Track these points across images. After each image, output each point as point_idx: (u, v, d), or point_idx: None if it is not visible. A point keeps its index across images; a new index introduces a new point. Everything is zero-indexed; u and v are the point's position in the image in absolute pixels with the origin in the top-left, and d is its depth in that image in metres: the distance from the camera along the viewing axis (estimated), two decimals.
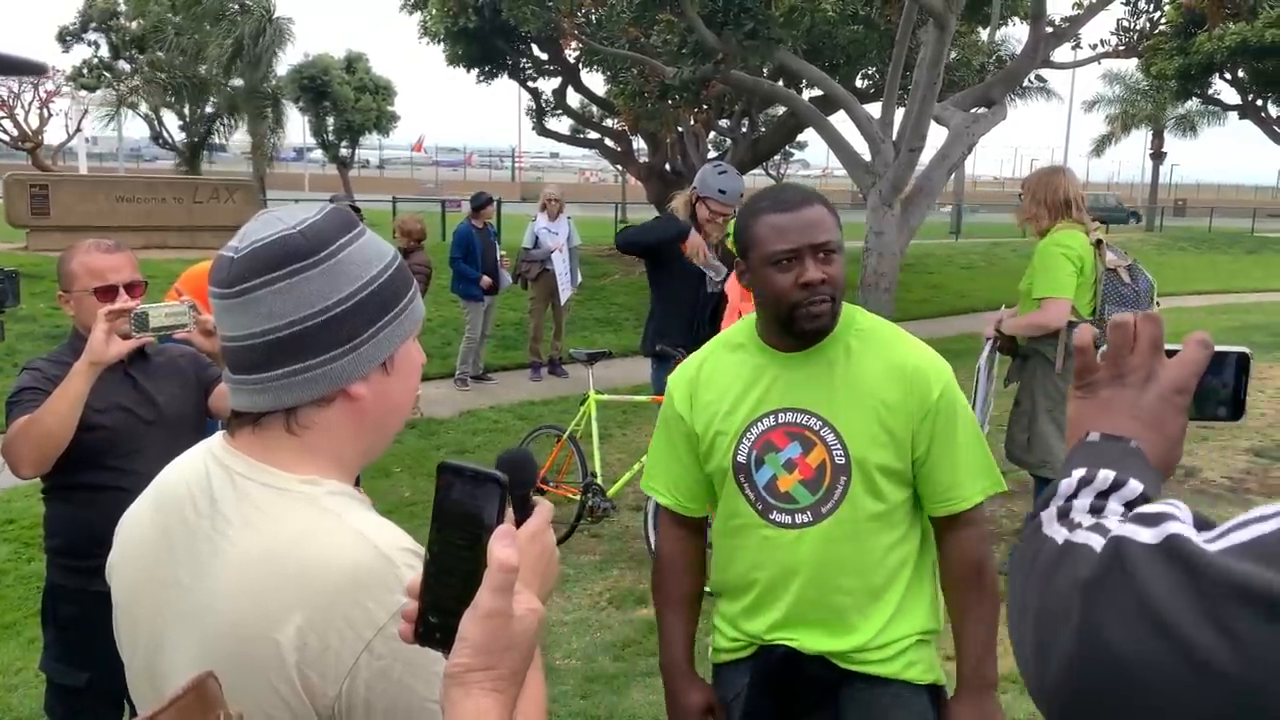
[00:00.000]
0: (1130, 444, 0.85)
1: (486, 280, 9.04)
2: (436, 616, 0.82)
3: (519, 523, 0.88)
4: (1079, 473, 0.82)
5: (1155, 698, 0.61)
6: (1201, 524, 0.69)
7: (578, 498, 5.39)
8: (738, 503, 1.93)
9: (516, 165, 61.91)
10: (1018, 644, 0.77)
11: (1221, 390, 0.89)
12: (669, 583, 2.07)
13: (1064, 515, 0.79)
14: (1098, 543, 0.71)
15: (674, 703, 2.02)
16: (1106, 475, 0.80)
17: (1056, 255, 4.26)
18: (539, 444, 5.86)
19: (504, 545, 0.80)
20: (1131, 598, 0.65)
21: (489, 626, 0.79)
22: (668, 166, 18.18)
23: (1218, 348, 0.88)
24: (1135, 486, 0.79)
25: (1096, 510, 0.78)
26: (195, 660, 1.01)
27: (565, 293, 9.49)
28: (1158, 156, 37.66)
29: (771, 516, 1.89)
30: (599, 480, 5.40)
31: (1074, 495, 0.81)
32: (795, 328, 1.84)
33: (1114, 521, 0.74)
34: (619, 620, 4.55)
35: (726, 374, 1.96)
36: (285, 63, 25.96)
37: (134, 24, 27.61)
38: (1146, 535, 0.68)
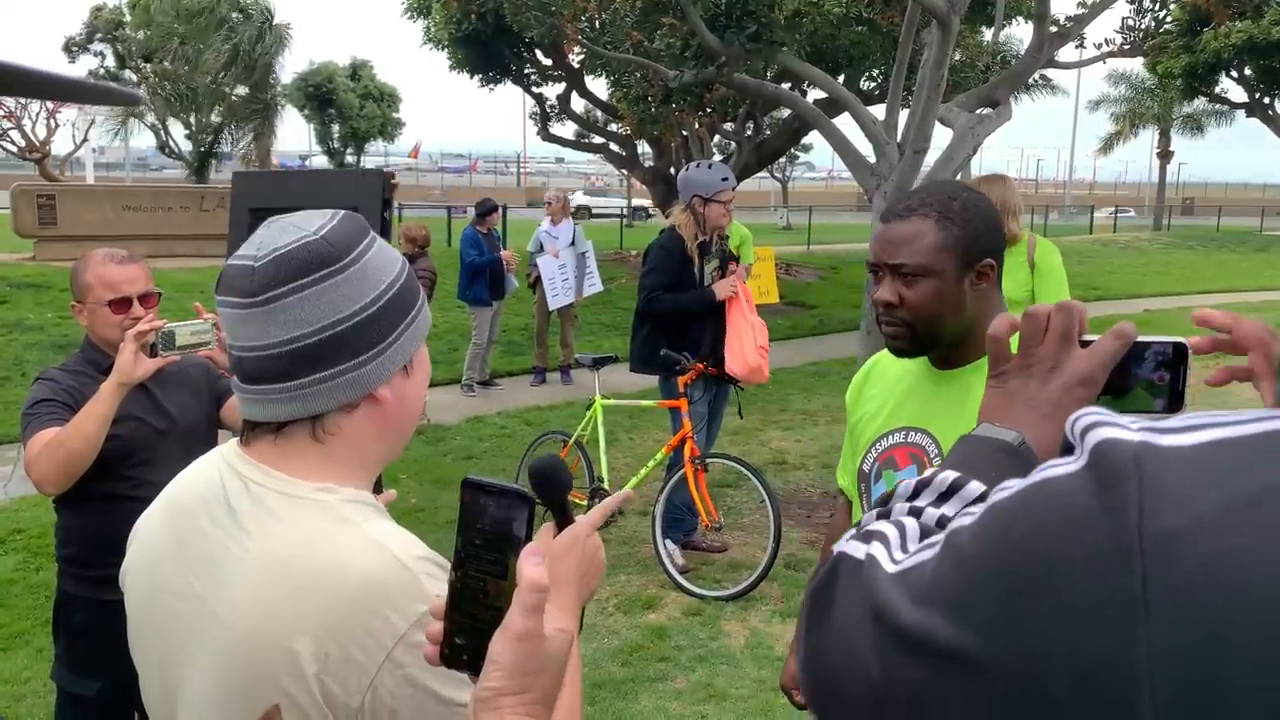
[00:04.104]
0: (1011, 439, 0.80)
1: (507, 253, 9.12)
2: (463, 638, 0.80)
3: (559, 529, 0.90)
4: (927, 473, 0.79)
5: (847, 705, 0.66)
6: (927, 533, 0.70)
7: (584, 503, 5.39)
8: (857, 510, 1.98)
9: (522, 171, 61.95)
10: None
11: (1158, 382, 0.82)
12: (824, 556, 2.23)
13: (883, 517, 0.75)
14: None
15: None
16: (946, 477, 0.76)
17: (1060, 266, 4.12)
18: (546, 450, 5.86)
19: (534, 564, 0.78)
20: (832, 612, 0.68)
21: (521, 649, 0.77)
22: (672, 170, 18.17)
23: (1145, 338, 0.82)
24: (975, 488, 0.74)
25: (914, 514, 0.75)
26: (210, 672, 1.01)
27: (556, 300, 9.24)
28: (1164, 156, 37.54)
29: None
30: (606, 485, 5.40)
31: (913, 496, 0.76)
32: None
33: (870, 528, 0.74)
34: (626, 626, 4.54)
35: (889, 376, 1.93)
36: (290, 70, 26.09)
37: (140, 34, 27.72)
38: (859, 552, 0.69)
